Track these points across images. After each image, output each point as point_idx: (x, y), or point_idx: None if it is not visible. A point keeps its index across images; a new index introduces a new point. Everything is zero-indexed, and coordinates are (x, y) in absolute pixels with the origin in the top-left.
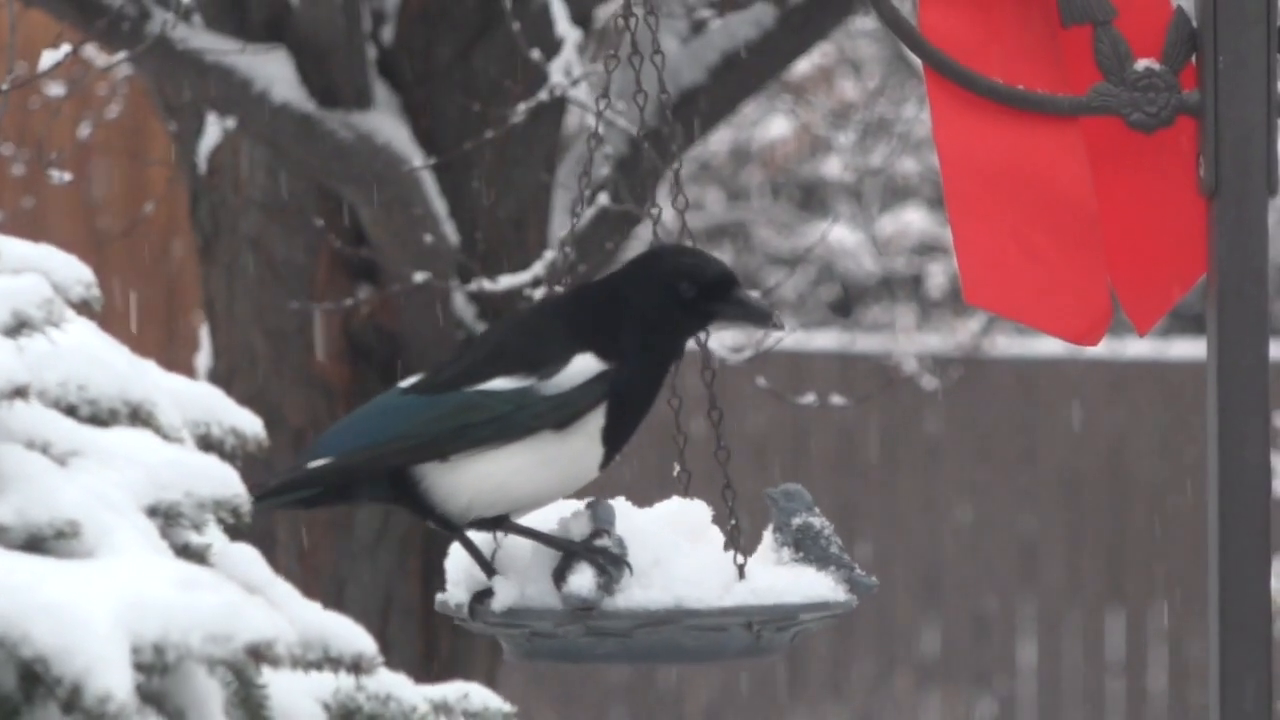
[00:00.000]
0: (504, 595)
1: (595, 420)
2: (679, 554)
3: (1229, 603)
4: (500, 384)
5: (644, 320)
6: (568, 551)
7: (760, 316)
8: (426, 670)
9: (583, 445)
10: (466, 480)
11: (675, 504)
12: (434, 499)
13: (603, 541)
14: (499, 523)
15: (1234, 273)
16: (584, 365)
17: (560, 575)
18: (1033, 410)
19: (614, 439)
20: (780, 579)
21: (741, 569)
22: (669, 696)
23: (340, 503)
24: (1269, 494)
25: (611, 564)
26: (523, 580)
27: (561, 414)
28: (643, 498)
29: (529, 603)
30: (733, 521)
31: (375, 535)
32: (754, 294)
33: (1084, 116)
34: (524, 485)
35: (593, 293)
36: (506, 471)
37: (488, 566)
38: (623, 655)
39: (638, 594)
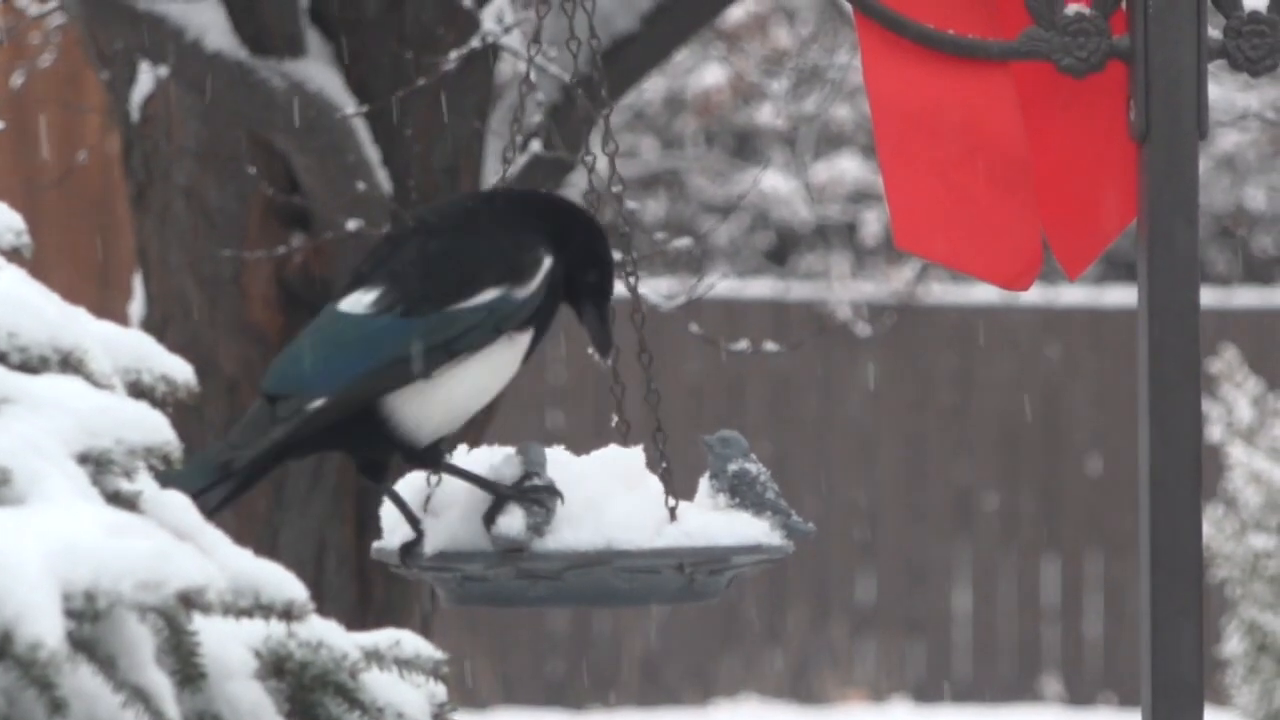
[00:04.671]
0: (435, 538)
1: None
2: (612, 497)
3: (1161, 549)
4: (484, 297)
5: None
6: (499, 495)
7: (602, 338)
8: (361, 618)
9: (522, 344)
10: (436, 401)
11: (612, 451)
12: (404, 428)
13: (533, 483)
14: (438, 463)
15: (1164, 217)
16: (547, 265)
17: (490, 518)
18: (968, 358)
19: (538, 337)
20: (713, 522)
21: (673, 511)
22: (605, 645)
23: (300, 454)
24: (1200, 440)
25: (546, 496)
26: (454, 524)
27: (526, 313)
28: (579, 448)
29: (460, 546)
30: (664, 464)
31: (309, 482)
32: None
33: (1014, 61)
34: (480, 396)
35: (546, 204)
36: (468, 385)
37: (413, 519)
38: (555, 598)
39: (568, 535)
